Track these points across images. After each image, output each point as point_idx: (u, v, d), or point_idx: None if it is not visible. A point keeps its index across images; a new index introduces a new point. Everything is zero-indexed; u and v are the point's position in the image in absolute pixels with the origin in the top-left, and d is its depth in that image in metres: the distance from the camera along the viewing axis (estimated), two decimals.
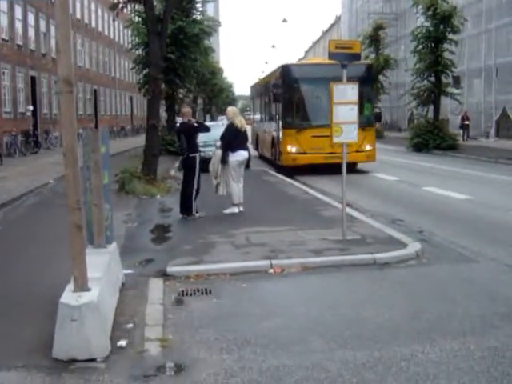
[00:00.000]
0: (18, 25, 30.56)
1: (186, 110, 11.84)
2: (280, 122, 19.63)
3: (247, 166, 13.37)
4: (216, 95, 67.07)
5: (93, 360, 4.71)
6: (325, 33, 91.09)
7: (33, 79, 32.30)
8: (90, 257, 5.49)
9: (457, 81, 35.45)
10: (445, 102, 33.77)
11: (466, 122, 34.61)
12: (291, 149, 18.80)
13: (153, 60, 16.57)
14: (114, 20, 41.36)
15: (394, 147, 30.51)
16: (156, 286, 6.78)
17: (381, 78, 41.15)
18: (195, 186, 11.02)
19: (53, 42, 33.20)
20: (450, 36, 30.02)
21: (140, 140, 29.88)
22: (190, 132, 11.07)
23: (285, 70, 19.33)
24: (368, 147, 18.93)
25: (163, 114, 31.08)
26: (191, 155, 10.99)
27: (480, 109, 37.28)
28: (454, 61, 30.84)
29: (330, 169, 16.16)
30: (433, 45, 29.81)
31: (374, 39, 41.42)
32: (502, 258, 7.78)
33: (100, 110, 46.17)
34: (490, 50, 35.99)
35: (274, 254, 7.86)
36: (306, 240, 8.72)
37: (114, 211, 7.16)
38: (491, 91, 35.84)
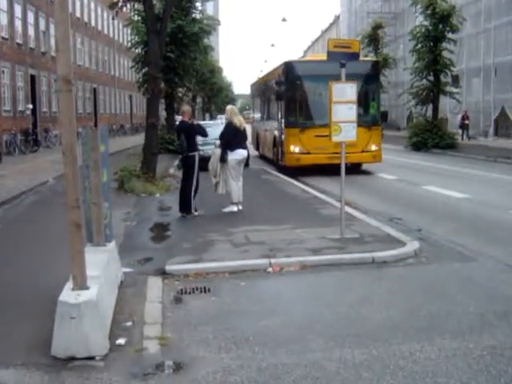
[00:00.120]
0: (18, 23, 30.55)
1: (186, 108, 11.85)
2: (282, 121, 19.06)
3: (246, 164, 13.37)
4: (215, 94, 67.06)
5: (92, 358, 4.71)
6: (324, 32, 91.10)
7: (32, 78, 32.28)
8: (89, 255, 5.50)
9: (456, 80, 35.52)
10: (444, 101, 33.79)
11: (466, 122, 34.61)
12: (294, 149, 18.20)
13: (152, 59, 16.57)
14: (113, 19, 41.35)
15: (393, 146, 30.49)
16: (155, 285, 6.79)
17: (380, 76, 41.11)
18: (194, 185, 11.03)
19: (52, 41, 33.20)
20: (449, 35, 30.05)
21: (139, 139, 29.94)
22: (190, 131, 11.08)
23: (288, 67, 18.76)
24: (374, 147, 18.31)
25: (162, 113, 31.09)
26: (190, 154, 11.01)
27: (479, 108, 37.32)
28: (453, 60, 30.84)
29: (334, 169, 15.74)
30: (432, 44, 29.84)
31: (373, 38, 41.37)
32: (501, 257, 7.78)
33: (99, 108, 46.17)
34: (488, 50, 36.03)
35: (273, 253, 7.87)
36: (305, 238, 8.73)
37: (113, 210, 7.17)
38: (490, 90, 35.88)
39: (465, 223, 10.42)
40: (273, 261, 7.52)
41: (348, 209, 10.48)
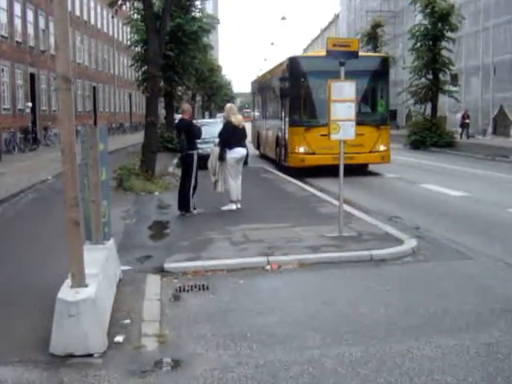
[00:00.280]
0: (17, 22, 30.51)
1: (187, 107, 11.83)
2: (286, 120, 18.16)
3: (245, 162, 13.39)
4: (215, 92, 67.07)
5: (90, 355, 4.73)
6: (323, 30, 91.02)
7: (32, 76, 32.25)
8: (88, 253, 5.52)
9: (454, 78, 35.51)
10: (442, 99, 33.80)
11: (467, 121, 34.59)
12: (298, 149, 17.32)
13: (151, 57, 16.56)
14: (113, 17, 41.41)
15: (392, 144, 30.24)
16: (153, 282, 6.81)
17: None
18: (192, 183, 11.04)
19: (52, 39, 33.15)
20: (448, 34, 30.06)
21: (138, 137, 29.92)
22: (190, 129, 11.08)
23: (292, 63, 17.87)
24: (382, 147, 17.57)
25: (162, 112, 31.09)
26: (189, 152, 11.02)
27: (477, 106, 37.34)
28: (452, 59, 30.87)
29: (338, 170, 15.54)
30: (431, 43, 29.87)
31: (372, 37, 41.41)
32: (499, 255, 7.81)
33: (99, 106, 46.16)
34: (487, 48, 36.06)
35: (271, 251, 7.89)
36: (303, 237, 8.75)
37: (111, 208, 7.19)
38: (489, 89, 35.91)
39: (463, 221, 10.45)
40: (271, 259, 7.54)
41: (346, 207, 10.50)
